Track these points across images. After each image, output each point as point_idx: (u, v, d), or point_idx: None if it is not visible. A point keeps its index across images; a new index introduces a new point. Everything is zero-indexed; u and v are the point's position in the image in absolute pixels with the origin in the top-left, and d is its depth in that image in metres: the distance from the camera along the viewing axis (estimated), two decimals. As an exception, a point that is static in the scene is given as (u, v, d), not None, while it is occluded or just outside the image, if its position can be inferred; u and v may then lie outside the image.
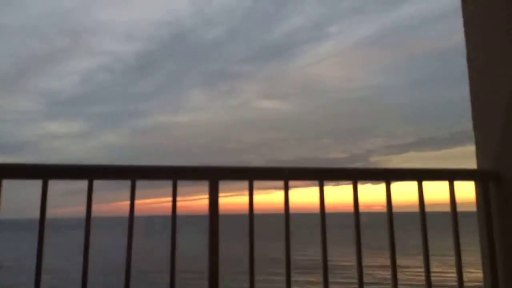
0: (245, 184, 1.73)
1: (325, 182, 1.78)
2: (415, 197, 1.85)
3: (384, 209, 1.82)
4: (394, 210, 1.81)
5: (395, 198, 1.82)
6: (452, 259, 1.84)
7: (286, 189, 1.75)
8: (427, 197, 1.85)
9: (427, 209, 1.85)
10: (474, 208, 1.96)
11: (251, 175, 1.73)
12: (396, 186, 1.85)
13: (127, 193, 1.64)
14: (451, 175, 1.89)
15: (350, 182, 1.80)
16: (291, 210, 1.74)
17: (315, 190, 1.78)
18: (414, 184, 1.86)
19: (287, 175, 1.76)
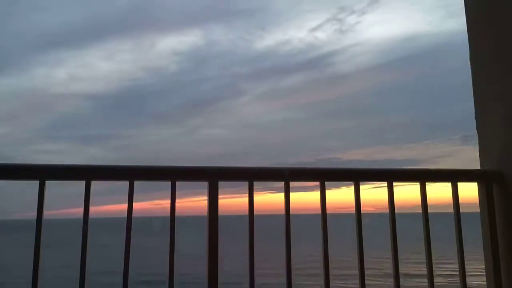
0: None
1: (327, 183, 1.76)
2: (418, 198, 1.84)
3: (386, 210, 1.80)
4: (397, 211, 1.79)
5: (397, 199, 1.80)
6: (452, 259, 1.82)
7: (287, 190, 1.73)
8: (429, 198, 1.83)
9: (429, 210, 1.83)
10: (476, 209, 1.94)
11: (251, 176, 1.71)
12: (398, 187, 1.83)
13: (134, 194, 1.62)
14: (454, 176, 1.87)
15: (352, 183, 1.79)
16: (292, 211, 1.72)
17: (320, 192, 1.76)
18: (416, 185, 1.84)
19: (287, 176, 1.74)
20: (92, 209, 1.59)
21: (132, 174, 1.64)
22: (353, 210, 1.77)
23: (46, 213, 1.56)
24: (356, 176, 1.79)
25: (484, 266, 1.86)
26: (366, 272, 1.73)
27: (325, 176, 1.76)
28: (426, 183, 1.84)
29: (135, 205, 1.63)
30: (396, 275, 1.76)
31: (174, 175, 1.67)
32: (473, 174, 1.94)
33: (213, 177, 1.69)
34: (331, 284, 1.69)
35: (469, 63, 2.08)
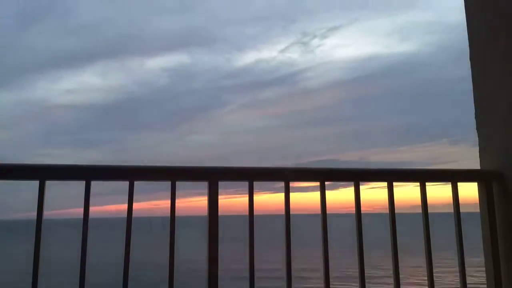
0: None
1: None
2: (417, 198, 1.84)
3: (386, 210, 1.80)
4: (397, 211, 1.79)
5: (397, 199, 1.80)
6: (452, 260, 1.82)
7: (287, 190, 1.73)
8: (429, 198, 1.83)
9: (429, 210, 1.83)
10: (476, 209, 1.94)
11: (251, 176, 1.71)
12: (398, 187, 1.83)
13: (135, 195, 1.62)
14: (454, 176, 1.87)
15: (352, 183, 1.79)
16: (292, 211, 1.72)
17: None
18: (416, 185, 1.84)
19: (287, 176, 1.74)
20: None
21: (132, 174, 1.64)
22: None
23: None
24: (356, 176, 1.79)
25: (484, 266, 1.86)
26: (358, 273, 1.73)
27: (325, 176, 1.76)
28: (426, 183, 1.84)
29: (140, 205, 1.64)
30: (396, 275, 1.76)
31: (174, 175, 1.67)
32: (473, 174, 1.94)
33: (213, 177, 1.69)
34: (331, 285, 1.69)
35: (469, 63, 2.08)
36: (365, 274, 1.73)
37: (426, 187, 1.84)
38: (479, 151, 1.99)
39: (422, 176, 1.84)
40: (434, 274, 1.78)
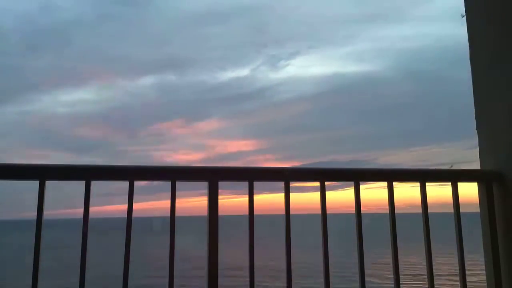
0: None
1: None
2: (417, 198, 1.84)
3: (387, 210, 1.80)
4: (397, 211, 1.79)
5: (397, 199, 1.80)
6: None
7: (287, 190, 1.73)
8: (429, 198, 1.83)
9: (429, 210, 1.83)
10: (476, 209, 1.94)
11: (251, 176, 1.71)
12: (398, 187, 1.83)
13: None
14: (454, 176, 1.87)
15: (352, 183, 1.79)
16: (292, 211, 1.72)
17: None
18: (416, 185, 1.84)
19: (287, 176, 1.73)
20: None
21: (132, 174, 1.64)
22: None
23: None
24: (356, 176, 1.79)
25: (484, 265, 1.86)
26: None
27: (325, 176, 1.76)
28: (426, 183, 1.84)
29: (140, 205, 1.64)
30: (396, 276, 1.76)
31: (174, 175, 1.67)
32: (473, 174, 1.94)
33: (213, 177, 1.69)
34: (331, 285, 1.69)
35: (469, 63, 2.08)
36: (363, 274, 1.73)
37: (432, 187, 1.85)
38: (479, 151, 1.99)
39: (422, 176, 1.84)
40: (434, 274, 1.78)
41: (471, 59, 2.07)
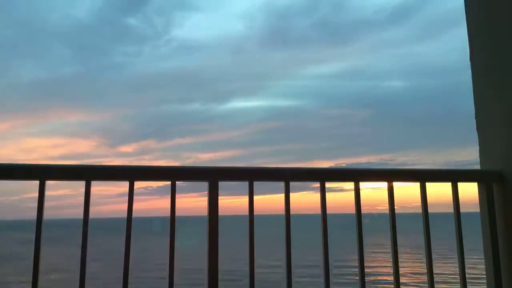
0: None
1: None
2: (417, 198, 1.84)
3: (387, 210, 1.80)
4: (397, 211, 1.79)
5: (397, 199, 1.80)
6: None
7: (287, 190, 1.73)
8: (429, 198, 1.83)
9: (429, 210, 1.83)
10: (476, 209, 1.93)
11: (251, 176, 1.71)
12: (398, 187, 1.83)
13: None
14: (454, 176, 1.87)
15: (352, 183, 1.79)
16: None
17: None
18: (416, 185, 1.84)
19: (288, 176, 1.73)
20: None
21: (132, 174, 1.64)
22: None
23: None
24: (356, 176, 1.79)
25: (484, 265, 1.86)
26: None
27: (325, 176, 1.76)
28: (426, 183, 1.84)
29: (140, 205, 1.64)
30: (396, 276, 1.76)
31: (174, 175, 1.67)
32: (473, 174, 1.94)
33: (213, 177, 1.69)
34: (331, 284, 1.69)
35: (469, 63, 2.08)
36: (363, 274, 1.74)
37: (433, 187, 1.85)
38: (479, 151, 1.99)
39: (422, 176, 1.84)
40: (434, 275, 1.78)
41: (470, 59, 2.07)
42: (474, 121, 2.03)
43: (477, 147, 2.00)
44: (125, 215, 1.60)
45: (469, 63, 2.08)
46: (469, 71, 2.06)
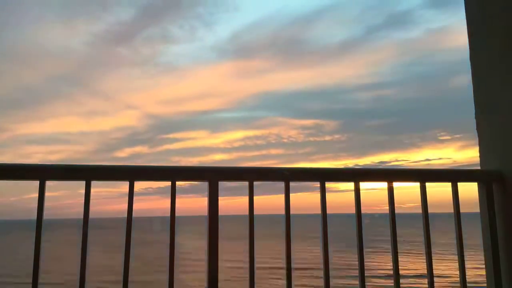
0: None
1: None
2: (417, 198, 1.84)
3: (387, 211, 1.80)
4: (397, 211, 1.79)
5: (397, 199, 1.80)
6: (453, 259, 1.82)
7: (287, 190, 1.73)
8: (429, 198, 1.83)
9: (429, 210, 1.83)
10: (476, 209, 1.94)
11: (251, 176, 1.71)
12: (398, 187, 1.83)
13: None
14: (454, 176, 1.87)
15: (352, 183, 1.79)
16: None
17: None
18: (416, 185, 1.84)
19: (288, 176, 1.73)
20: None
21: (132, 174, 1.64)
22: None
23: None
24: (356, 176, 1.79)
25: (484, 265, 1.86)
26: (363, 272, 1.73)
27: (325, 176, 1.76)
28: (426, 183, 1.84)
29: (140, 205, 1.64)
30: (396, 276, 1.76)
31: (174, 175, 1.67)
32: (473, 174, 1.94)
33: (213, 177, 1.69)
34: (331, 284, 1.69)
35: (469, 63, 2.08)
36: (363, 274, 1.74)
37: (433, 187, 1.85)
38: (479, 151, 1.99)
39: (422, 176, 1.84)
40: (434, 275, 1.78)
41: (470, 59, 2.07)
42: (474, 121, 2.03)
43: (477, 147, 2.00)
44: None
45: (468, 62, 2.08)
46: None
